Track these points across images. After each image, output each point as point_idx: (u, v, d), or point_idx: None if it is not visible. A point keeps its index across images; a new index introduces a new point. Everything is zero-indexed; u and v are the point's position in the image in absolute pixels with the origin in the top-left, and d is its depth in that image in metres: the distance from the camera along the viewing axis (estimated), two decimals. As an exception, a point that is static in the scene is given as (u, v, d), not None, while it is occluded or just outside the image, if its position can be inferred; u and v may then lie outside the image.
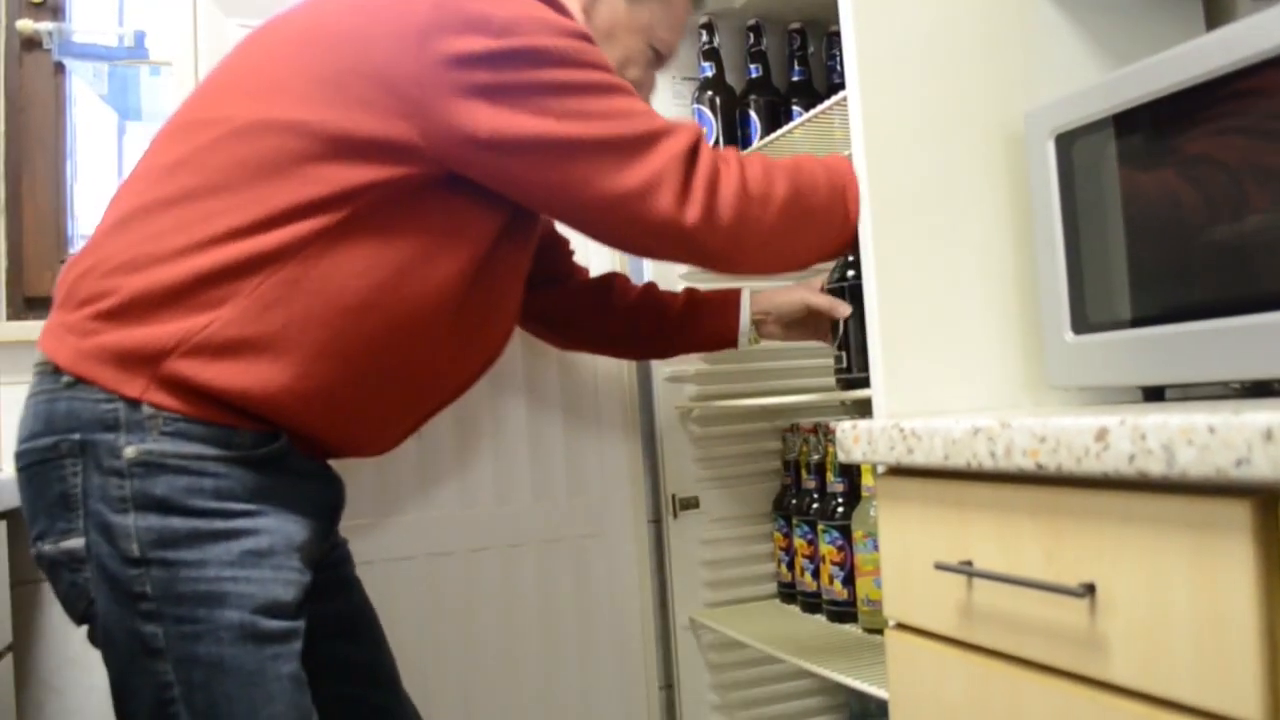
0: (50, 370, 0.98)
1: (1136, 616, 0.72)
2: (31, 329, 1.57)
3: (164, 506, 0.93)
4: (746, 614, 1.77)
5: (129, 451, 0.93)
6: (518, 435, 1.72)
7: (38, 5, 1.77)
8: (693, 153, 1.07)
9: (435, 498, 1.65)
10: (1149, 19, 1.23)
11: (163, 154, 1.03)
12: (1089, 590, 0.75)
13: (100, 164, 1.87)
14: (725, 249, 1.09)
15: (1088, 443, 0.71)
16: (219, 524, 0.95)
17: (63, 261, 1.74)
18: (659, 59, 1.32)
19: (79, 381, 0.95)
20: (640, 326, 1.48)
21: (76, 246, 1.78)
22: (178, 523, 0.94)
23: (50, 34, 1.75)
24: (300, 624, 0.99)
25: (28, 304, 1.72)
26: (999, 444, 0.80)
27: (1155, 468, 0.66)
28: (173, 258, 0.96)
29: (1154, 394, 1.03)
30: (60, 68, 1.78)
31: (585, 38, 1.06)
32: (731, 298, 1.45)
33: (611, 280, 1.51)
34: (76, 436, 0.95)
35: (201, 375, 0.95)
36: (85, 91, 1.83)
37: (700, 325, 1.46)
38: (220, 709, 0.92)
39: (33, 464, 0.97)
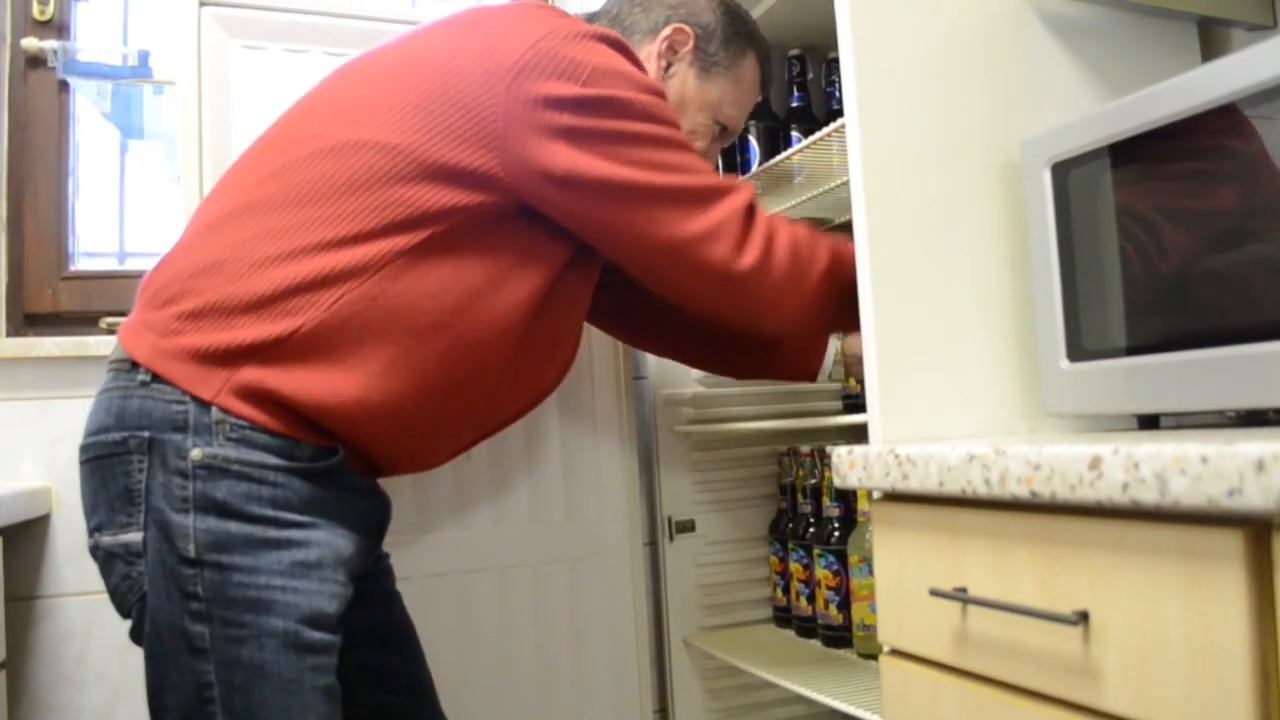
0: (127, 366, 1.01)
1: (1130, 645, 0.72)
2: (31, 345, 1.58)
3: (223, 510, 0.97)
4: (742, 638, 1.77)
5: (195, 453, 0.97)
6: (515, 457, 1.72)
7: (43, 24, 1.78)
8: (751, 209, 1.14)
9: (431, 520, 1.65)
10: (1146, 50, 1.24)
11: (254, 166, 1.08)
12: (1083, 618, 0.75)
13: (102, 182, 1.88)
14: (773, 300, 1.15)
15: (1081, 471, 0.72)
16: (273, 532, 0.98)
17: (64, 278, 1.75)
18: (724, 134, 1.38)
19: (155, 379, 0.99)
20: (723, 342, 1.50)
21: (78, 264, 1.78)
22: (234, 528, 0.96)
23: (55, 52, 1.76)
24: (338, 638, 1.01)
25: (28, 320, 1.72)
26: (993, 471, 0.80)
27: (1148, 497, 0.67)
28: (260, 266, 1.00)
29: (1149, 422, 1.03)
30: (64, 86, 1.79)
31: (661, 94, 1.13)
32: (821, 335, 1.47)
33: None
34: (146, 434, 0.98)
35: (274, 382, 0.98)
36: (88, 109, 1.84)
37: (784, 354, 1.47)
38: (257, 714, 0.95)
39: (99, 457, 1.00)
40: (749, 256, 1.11)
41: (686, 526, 1.81)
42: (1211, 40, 1.29)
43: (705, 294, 1.16)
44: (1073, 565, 0.77)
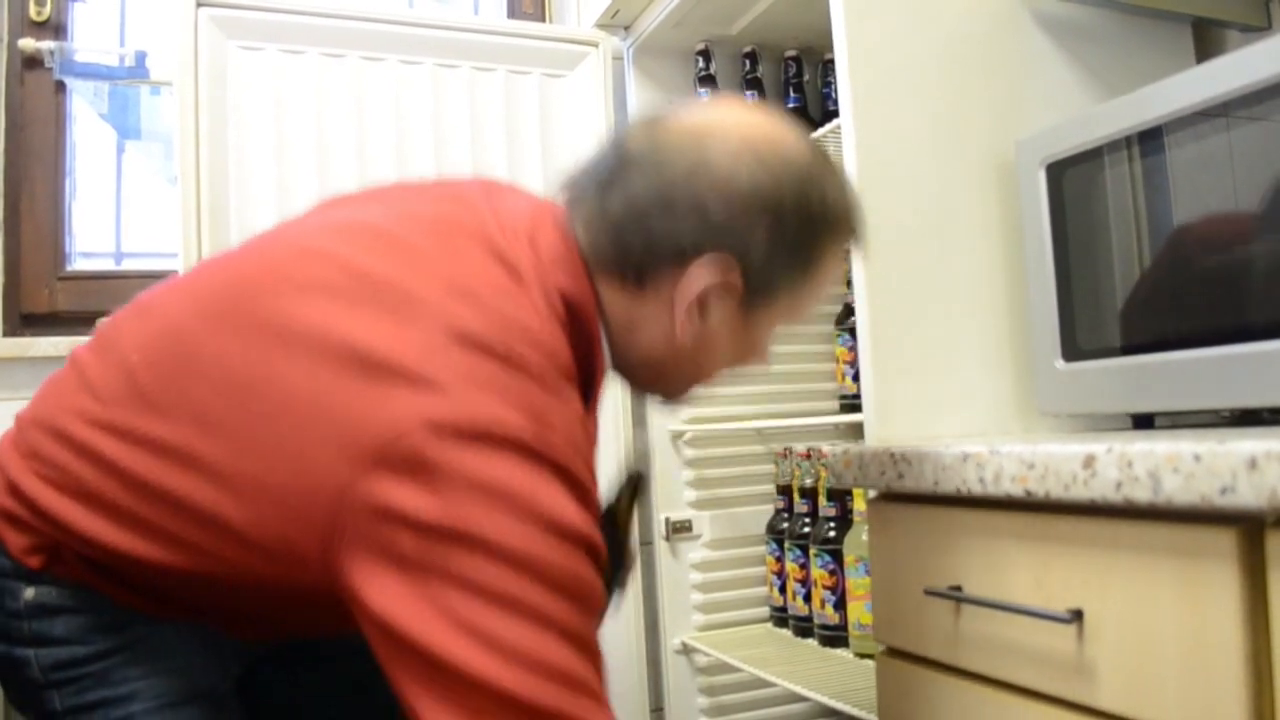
0: None
1: (1123, 643, 0.72)
2: (27, 345, 1.58)
3: (64, 641, 0.89)
4: (738, 638, 1.77)
5: (28, 594, 0.89)
6: (511, 456, 1.71)
7: (40, 24, 1.78)
8: None
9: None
10: (1141, 51, 1.25)
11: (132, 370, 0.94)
12: (1076, 616, 0.75)
13: (99, 182, 1.88)
14: None
15: (1075, 470, 0.72)
16: (121, 639, 0.90)
17: (60, 279, 1.75)
18: None
19: None
20: None
21: (74, 264, 1.78)
22: (79, 651, 0.89)
23: (52, 53, 1.76)
24: (220, 685, 0.94)
25: (24, 321, 1.72)
26: (988, 470, 0.81)
27: (1142, 495, 0.67)
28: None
29: (1143, 421, 1.03)
30: (61, 86, 1.79)
31: (574, 535, 0.78)
32: None
33: None
34: None
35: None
36: (85, 110, 1.84)
37: None
38: None
39: None
40: None
41: (683, 527, 1.81)
42: (1206, 41, 1.30)
43: None
44: (1067, 563, 0.77)
